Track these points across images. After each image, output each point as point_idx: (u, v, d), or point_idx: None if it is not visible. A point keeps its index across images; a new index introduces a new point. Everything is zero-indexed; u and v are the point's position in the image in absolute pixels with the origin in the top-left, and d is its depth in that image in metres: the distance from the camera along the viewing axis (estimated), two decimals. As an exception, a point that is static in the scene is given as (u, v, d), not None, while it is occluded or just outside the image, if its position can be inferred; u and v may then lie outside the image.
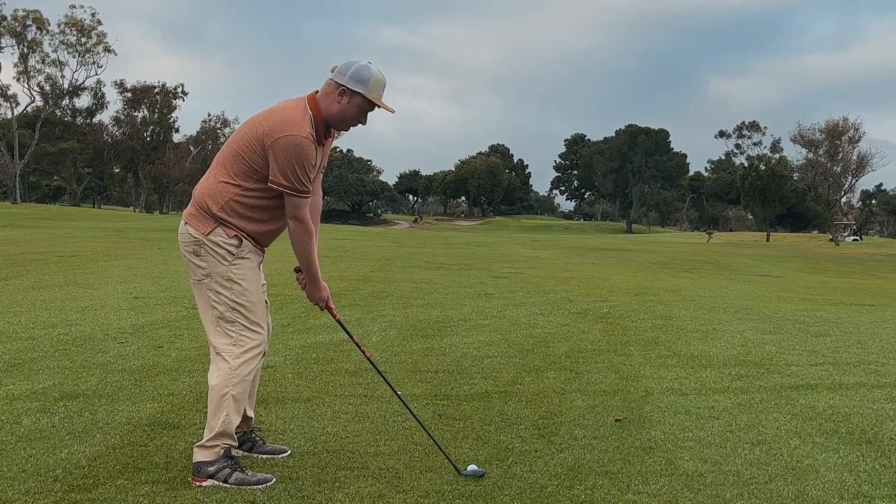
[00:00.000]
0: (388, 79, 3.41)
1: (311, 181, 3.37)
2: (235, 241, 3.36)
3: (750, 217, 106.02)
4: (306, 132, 3.27)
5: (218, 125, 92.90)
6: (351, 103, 3.36)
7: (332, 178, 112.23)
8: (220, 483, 3.24)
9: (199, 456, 3.30)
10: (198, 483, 3.24)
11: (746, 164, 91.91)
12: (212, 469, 3.27)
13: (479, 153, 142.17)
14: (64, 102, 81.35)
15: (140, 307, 8.32)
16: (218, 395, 3.32)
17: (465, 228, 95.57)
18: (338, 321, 3.65)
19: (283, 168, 3.26)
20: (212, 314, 3.38)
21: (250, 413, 3.67)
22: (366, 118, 3.44)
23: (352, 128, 3.48)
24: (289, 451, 3.70)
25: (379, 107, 3.42)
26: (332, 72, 3.40)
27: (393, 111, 3.48)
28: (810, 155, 69.96)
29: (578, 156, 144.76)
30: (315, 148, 3.35)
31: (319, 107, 3.37)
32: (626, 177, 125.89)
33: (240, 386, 3.35)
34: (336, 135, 3.58)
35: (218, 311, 3.36)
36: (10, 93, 75.02)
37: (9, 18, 70.92)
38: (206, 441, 3.31)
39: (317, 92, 3.42)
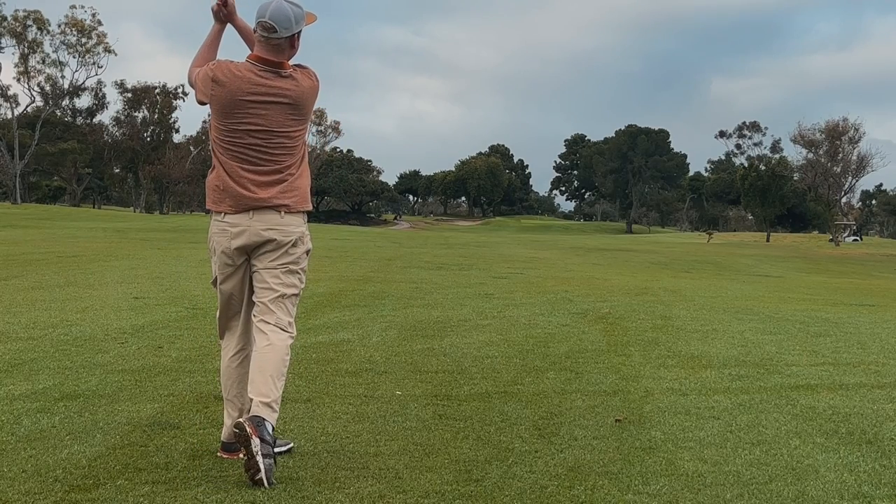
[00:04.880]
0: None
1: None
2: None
3: (750, 217, 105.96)
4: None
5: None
6: (257, 35, 3.54)
7: (332, 178, 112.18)
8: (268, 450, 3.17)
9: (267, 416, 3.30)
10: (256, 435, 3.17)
11: (746, 165, 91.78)
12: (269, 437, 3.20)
13: (480, 153, 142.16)
14: (64, 103, 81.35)
15: (140, 307, 8.33)
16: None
17: (465, 229, 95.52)
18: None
19: None
20: None
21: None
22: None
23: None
24: (292, 445, 3.71)
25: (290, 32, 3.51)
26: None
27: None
28: (810, 155, 69.89)
29: (578, 156, 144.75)
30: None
31: None
32: (626, 177, 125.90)
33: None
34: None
35: None
36: (10, 93, 75.08)
37: (9, 19, 70.93)
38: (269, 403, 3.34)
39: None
